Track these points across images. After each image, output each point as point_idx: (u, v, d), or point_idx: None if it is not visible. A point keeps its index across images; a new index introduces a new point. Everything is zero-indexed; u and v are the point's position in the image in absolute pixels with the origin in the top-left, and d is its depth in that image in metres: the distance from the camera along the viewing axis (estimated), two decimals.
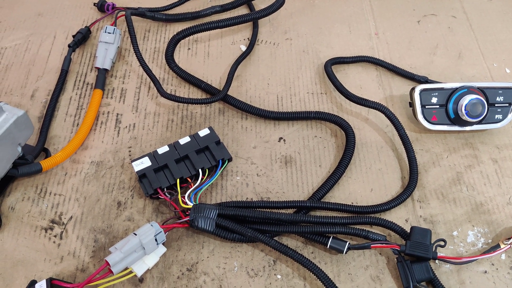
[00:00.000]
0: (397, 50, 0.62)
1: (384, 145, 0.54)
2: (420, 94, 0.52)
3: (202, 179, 0.49)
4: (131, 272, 0.43)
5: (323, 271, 0.42)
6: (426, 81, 0.58)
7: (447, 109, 0.52)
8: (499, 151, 0.53)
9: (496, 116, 0.52)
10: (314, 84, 0.59)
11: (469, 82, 0.53)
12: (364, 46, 0.63)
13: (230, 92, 0.57)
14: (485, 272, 0.45)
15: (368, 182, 0.51)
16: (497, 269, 0.45)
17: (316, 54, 0.62)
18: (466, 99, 0.50)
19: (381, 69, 0.61)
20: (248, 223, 0.46)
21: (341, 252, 0.44)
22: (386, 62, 0.60)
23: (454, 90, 0.52)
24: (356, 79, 0.60)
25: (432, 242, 0.44)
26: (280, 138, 0.54)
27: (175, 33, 0.58)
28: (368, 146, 0.54)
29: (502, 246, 0.45)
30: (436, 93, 0.52)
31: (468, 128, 0.52)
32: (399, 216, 0.48)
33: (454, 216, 0.48)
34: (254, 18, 0.59)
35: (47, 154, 0.52)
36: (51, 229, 0.47)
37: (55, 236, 0.47)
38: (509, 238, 0.45)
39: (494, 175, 0.51)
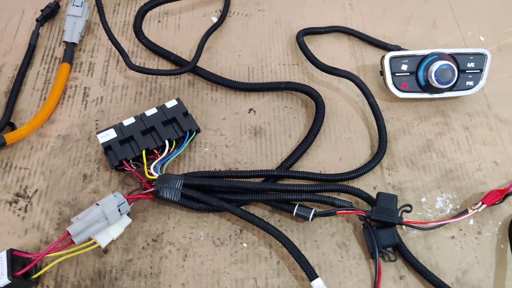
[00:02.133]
0: (371, 20, 0.62)
1: (354, 115, 0.53)
2: (390, 61, 0.51)
3: (169, 150, 0.48)
4: (95, 243, 0.42)
5: (288, 238, 0.42)
6: (398, 50, 0.57)
7: (417, 76, 0.51)
8: (470, 118, 0.53)
9: (467, 83, 0.51)
10: (286, 55, 0.58)
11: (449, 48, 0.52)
12: (338, 17, 0.62)
13: (200, 64, 0.56)
14: (453, 237, 0.45)
15: (337, 151, 0.50)
16: (464, 234, 0.45)
17: (289, 25, 0.61)
18: (435, 66, 0.50)
19: (354, 39, 0.60)
20: (215, 193, 0.46)
21: (307, 219, 0.44)
22: (359, 32, 0.59)
23: (425, 57, 0.51)
24: (329, 49, 0.59)
25: (398, 207, 0.44)
26: (250, 109, 0.53)
27: None
28: (338, 116, 0.53)
29: (470, 211, 0.45)
30: (406, 60, 0.51)
31: (439, 95, 0.52)
32: (367, 184, 0.48)
33: (423, 183, 0.48)
34: None
35: (12, 128, 0.51)
36: (16, 202, 0.47)
37: (19, 209, 0.46)
38: (477, 204, 0.45)
39: (465, 142, 0.51)
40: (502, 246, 0.44)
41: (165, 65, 0.57)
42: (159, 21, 0.62)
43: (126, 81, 0.56)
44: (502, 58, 0.58)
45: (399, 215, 0.43)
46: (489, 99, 0.54)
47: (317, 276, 0.41)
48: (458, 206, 0.47)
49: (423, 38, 0.60)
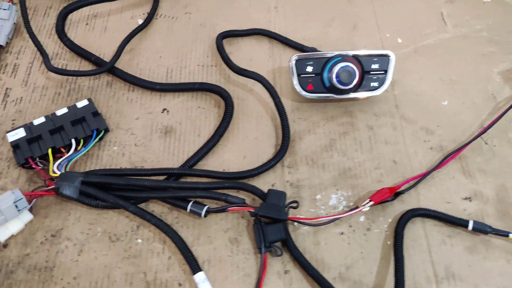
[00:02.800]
0: (294, 23, 0.63)
1: (264, 115, 0.54)
2: (295, 63, 0.52)
3: (76, 149, 0.50)
4: None
5: (175, 232, 0.44)
6: (314, 51, 0.58)
7: (322, 77, 0.52)
8: (376, 118, 0.54)
9: (372, 84, 0.53)
10: (206, 57, 0.60)
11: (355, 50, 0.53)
12: (262, 19, 0.63)
13: (121, 65, 0.58)
14: (342, 233, 0.46)
15: (243, 150, 0.52)
16: (354, 230, 0.46)
17: (213, 27, 0.63)
18: (337, 67, 0.51)
19: (274, 42, 0.61)
20: (116, 191, 0.47)
21: (200, 215, 0.45)
22: (277, 34, 0.60)
23: (329, 58, 0.52)
24: (248, 51, 0.60)
25: (286, 204, 0.45)
26: (164, 109, 0.55)
27: None
28: (248, 116, 0.54)
29: (359, 207, 0.46)
30: (311, 62, 0.52)
31: (344, 96, 0.53)
32: (267, 181, 0.49)
33: (321, 180, 0.49)
34: None
35: None
36: None
37: None
38: (366, 200, 0.46)
39: (367, 141, 0.52)
40: (388, 242, 0.46)
41: (88, 67, 0.59)
42: (87, 24, 0.63)
43: (47, 82, 0.57)
44: (416, 60, 0.59)
45: (286, 211, 0.44)
46: (398, 99, 0.56)
47: (200, 270, 0.42)
48: (351, 203, 0.48)
49: (342, 40, 0.61)
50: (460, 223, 0.46)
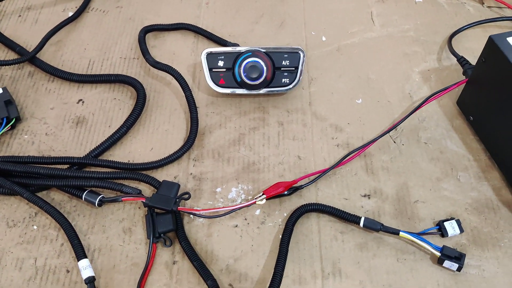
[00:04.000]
0: (222, 19, 0.64)
1: (178, 108, 0.55)
2: (206, 57, 0.53)
3: None
4: None
5: (64, 218, 0.45)
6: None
7: (234, 72, 0.53)
8: (288, 114, 0.54)
9: (284, 80, 0.53)
10: (129, 50, 0.60)
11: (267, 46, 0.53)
12: (191, 15, 0.64)
13: (45, 56, 0.59)
14: (236, 226, 0.47)
15: (151, 142, 0.52)
16: (248, 223, 0.47)
17: (142, 21, 0.63)
18: (245, 62, 0.51)
19: (199, 37, 0.62)
20: (18, 177, 0.48)
21: (94, 204, 0.46)
22: (202, 29, 0.61)
23: (240, 53, 0.53)
24: (172, 45, 0.61)
25: (178, 195, 0.45)
26: (80, 100, 0.56)
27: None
28: (162, 109, 0.55)
29: (252, 201, 0.46)
30: (223, 57, 0.53)
31: (255, 91, 0.53)
32: (170, 173, 0.50)
33: (224, 174, 0.50)
34: None
35: None
36: None
37: None
38: (260, 194, 0.46)
39: (276, 136, 0.53)
40: (280, 236, 0.46)
41: (13, 57, 0.60)
42: (20, 16, 0.64)
43: None
44: (338, 58, 0.59)
45: (176, 202, 0.45)
46: (312, 97, 0.56)
47: (84, 257, 0.43)
48: (250, 197, 0.48)
49: (266, 37, 0.61)
50: (352, 220, 0.46)
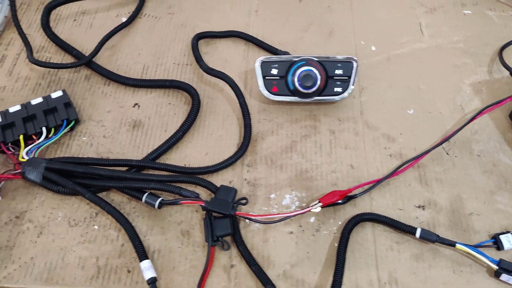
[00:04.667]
0: (272, 27, 0.64)
1: (231, 114, 0.56)
2: (260, 65, 0.54)
3: (46, 137, 0.52)
4: None
5: (126, 220, 0.46)
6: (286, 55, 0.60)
7: (287, 80, 0.54)
8: (339, 123, 0.55)
9: (336, 89, 0.54)
10: (182, 56, 0.62)
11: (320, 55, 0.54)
12: (241, 23, 0.65)
13: (101, 61, 0.60)
14: (291, 232, 0.47)
15: (206, 147, 0.53)
16: (303, 230, 0.47)
17: (193, 28, 0.65)
18: (300, 71, 0.52)
19: (250, 45, 0.63)
20: (78, 178, 0.49)
21: (154, 206, 0.47)
22: (253, 36, 0.62)
23: (294, 62, 0.53)
24: (224, 52, 0.62)
25: (236, 200, 0.46)
26: (136, 104, 0.57)
27: None
28: (216, 114, 0.56)
29: (308, 208, 0.47)
30: (276, 65, 0.54)
31: (308, 99, 0.54)
32: (225, 178, 0.51)
33: (277, 180, 0.51)
34: None
35: None
36: None
37: None
38: (315, 201, 0.47)
39: (327, 145, 0.53)
40: (336, 244, 0.46)
41: (70, 60, 0.62)
42: (75, 20, 0.66)
43: (30, 73, 0.60)
44: (388, 68, 0.60)
45: (234, 207, 0.46)
46: (363, 106, 0.56)
47: (146, 258, 0.44)
48: (304, 204, 0.49)
49: (316, 46, 0.62)
50: (408, 230, 0.46)
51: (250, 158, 0.52)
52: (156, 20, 0.66)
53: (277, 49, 0.61)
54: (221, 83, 0.59)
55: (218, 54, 0.62)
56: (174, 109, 0.57)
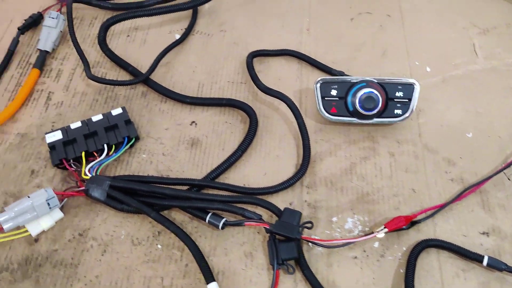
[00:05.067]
0: (324, 46, 0.65)
1: (287, 134, 0.56)
2: (320, 86, 0.54)
3: (107, 154, 0.53)
4: (26, 231, 0.47)
5: (192, 241, 0.46)
6: (341, 75, 0.60)
7: (346, 101, 0.54)
8: (398, 145, 0.55)
9: (396, 111, 0.53)
10: (236, 74, 0.62)
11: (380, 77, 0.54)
12: (293, 41, 0.65)
13: (156, 77, 0.61)
14: (355, 257, 0.47)
15: (264, 167, 0.53)
16: (367, 256, 0.47)
17: (246, 46, 0.65)
18: (361, 93, 0.52)
19: (303, 63, 0.63)
20: (141, 196, 0.50)
21: (217, 227, 0.47)
22: (307, 55, 0.62)
23: (354, 83, 0.53)
24: (277, 71, 0.62)
25: (301, 223, 0.46)
26: (193, 122, 0.57)
27: None
28: (272, 134, 0.56)
29: (373, 233, 0.47)
30: (336, 86, 0.54)
31: (367, 121, 0.54)
32: (285, 199, 0.51)
33: (338, 203, 0.50)
34: (180, 9, 0.62)
35: None
36: None
37: None
38: (380, 227, 0.47)
39: (388, 167, 0.53)
40: (401, 270, 0.46)
41: (125, 76, 0.62)
42: (128, 36, 0.67)
43: (86, 88, 0.61)
44: (444, 90, 0.59)
45: (299, 230, 0.46)
46: (422, 128, 0.56)
47: (213, 280, 0.44)
48: (367, 228, 0.49)
49: (370, 65, 0.62)
50: (475, 258, 0.46)
51: (309, 180, 0.52)
52: (209, 38, 0.66)
53: (331, 68, 0.61)
54: (276, 102, 0.59)
55: (272, 73, 0.62)
56: (231, 127, 0.57)
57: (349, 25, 0.67)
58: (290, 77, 0.61)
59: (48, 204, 0.47)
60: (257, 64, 0.63)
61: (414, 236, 0.48)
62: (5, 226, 0.46)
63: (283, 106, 0.58)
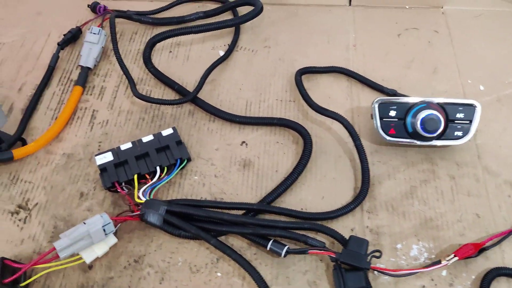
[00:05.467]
0: (372, 62, 0.63)
1: (342, 155, 0.54)
2: (378, 106, 0.52)
3: (159, 176, 0.51)
4: (80, 258, 0.45)
5: (256, 270, 0.44)
6: (394, 94, 0.58)
7: (405, 123, 0.52)
8: (458, 168, 0.53)
9: (456, 133, 0.52)
10: (284, 92, 0.60)
11: (439, 97, 0.52)
12: (340, 57, 0.64)
13: (202, 95, 0.60)
14: (423, 286, 0.45)
15: (321, 190, 0.52)
16: (436, 285, 0.45)
17: (291, 62, 0.64)
18: (422, 114, 0.50)
19: (352, 81, 0.61)
20: (196, 221, 0.48)
21: (280, 255, 0.46)
22: (356, 73, 0.61)
23: (413, 104, 0.52)
24: (326, 89, 0.61)
25: (368, 252, 0.45)
26: (243, 142, 0.56)
27: None
28: (326, 155, 0.55)
29: (443, 262, 0.45)
30: (395, 107, 0.52)
31: (426, 143, 0.52)
32: (346, 225, 0.49)
33: (401, 229, 0.49)
34: (225, 26, 0.61)
35: (23, 143, 0.56)
36: (17, 213, 0.51)
37: (19, 220, 0.50)
38: (449, 255, 0.45)
39: (449, 191, 0.51)
40: None
41: (170, 94, 0.61)
42: (170, 52, 0.66)
43: (131, 106, 0.59)
44: (499, 109, 0.58)
45: (368, 260, 0.44)
46: (480, 149, 0.54)
47: None
48: (433, 256, 0.47)
49: (421, 83, 0.61)
50: None
51: (369, 204, 0.51)
52: (253, 54, 0.65)
53: (382, 86, 0.59)
54: (328, 122, 0.57)
55: (321, 91, 0.60)
56: (283, 148, 0.55)
57: (396, 40, 0.66)
58: (340, 95, 0.60)
59: (104, 230, 0.46)
60: (305, 81, 0.61)
61: (482, 263, 0.46)
62: (61, 255, 0.44)
63: (335, 126, 0.57)
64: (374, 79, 0.61)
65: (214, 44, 0.66)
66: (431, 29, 0.67)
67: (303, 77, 0.61)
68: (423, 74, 0.62)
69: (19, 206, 0.51)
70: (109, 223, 0.46)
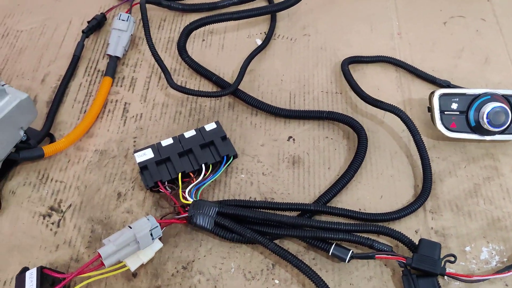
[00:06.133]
0: (420, 52, 0.59)
1: (398, 150, 0.51)
2: (439, 98, 0.49)
3: (205, 174, 0.47)
4: (124, 266, 0.41)
5: (322, 279, 0.40)
6: (448, 85, 0.55)
7: (468, 116, 0.49)
8: None
9: None
10: (329, 83, 0.57)
11: (494, 88, 0.49)
12: (385, 46, 0.60)
13: (241, 87, 0.55)
14: None
15: (378, 189, 0.48)
16: None
17: (334, 52, 0.60)
18: (488, 107, 0.47)
19: (401, 71, 0.58)
20: (248, 224, 0.44)
21: (344, 260, 0.42)
22: (407, 63, 0.57)
23: (477, 96, 0.48)
24: (374, 79, 0.57)
25: (441, 256, 0.41)
26: (290, 137, 0.52)
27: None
28: (381, 151, 0.51)
29: None
30: (457, 99, 0.49)
31: (489, 137, 0.49)
32: (409, 227, 0.46)
33: (468, 230, 0.45)
34: (269, 11, 0.57)
35: (51, 139, 0.51)
36: (49, 216, 0.46)
37: (52, 223, 0.46)
38: None
39: None
40: None
41: (207, 85, 0.57)
42: (203, 40, 0.61)
43: (166, 99, 0.55)
44: None
45: (442, 265, 0.41)
46: None
47: None
48: (505, 259, 0.44)
49: (473, 74, 0.57)
50: None
51: (432, 203, 0.47)
52: (292, 42, 0.61)
53: (435, 77, 0.56)
54: (380, 115, 0.53)
55: (368, 81, 0.57)
56: (333, 143, 0.52)
57: (442, 29, 0.62)
58: (390, 86, 0.56)
59: (151, 234, 0.42)
60: (351, 71, 0.57)
61: None
62: (106, 262, 0.40)
63: (388, 119, 0.53)
64: (423, 69, 0.57)
65: (249, 32, 0.62)
66: (477, 17, 0.63)
67: (349, 67, 0.57)
68: (474, 64, 0.58)
69: (51, 208, 0.47)
70: (157, 226, 0.42)
